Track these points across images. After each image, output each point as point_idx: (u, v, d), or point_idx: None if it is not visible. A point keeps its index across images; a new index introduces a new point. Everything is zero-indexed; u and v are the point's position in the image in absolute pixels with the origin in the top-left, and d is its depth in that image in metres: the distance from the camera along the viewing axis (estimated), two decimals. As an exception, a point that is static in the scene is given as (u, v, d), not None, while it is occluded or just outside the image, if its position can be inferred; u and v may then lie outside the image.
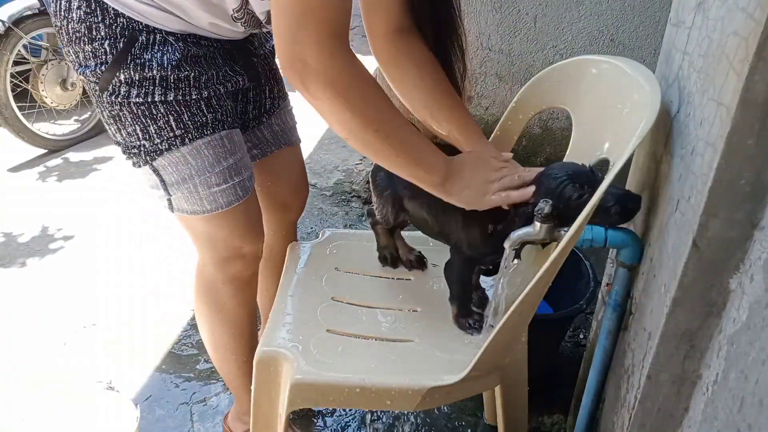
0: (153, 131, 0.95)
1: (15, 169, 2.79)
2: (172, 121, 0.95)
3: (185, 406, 1.49)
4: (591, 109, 1.01)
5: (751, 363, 0.60)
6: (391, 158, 0.86)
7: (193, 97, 0.95)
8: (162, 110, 0.94)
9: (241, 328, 1.20)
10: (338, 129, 0.83)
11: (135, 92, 0.92)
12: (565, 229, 0.87)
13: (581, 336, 1.70)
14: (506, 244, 0.89)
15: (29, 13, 2.63)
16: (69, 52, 0.94)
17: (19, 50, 2.69)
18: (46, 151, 2.93)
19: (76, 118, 3.20)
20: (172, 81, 0.93)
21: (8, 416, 1.30)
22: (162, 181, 1.01)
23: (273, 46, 1.13)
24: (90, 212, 2.41)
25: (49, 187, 2.64)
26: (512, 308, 0.81)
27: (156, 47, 0.92)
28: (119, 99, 0.92)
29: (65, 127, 3.07)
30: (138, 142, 0.96)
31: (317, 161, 2.78)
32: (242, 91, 1.12)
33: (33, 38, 2.72)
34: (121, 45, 0.90)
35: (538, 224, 0.85)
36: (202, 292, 1.18)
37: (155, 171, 0.99)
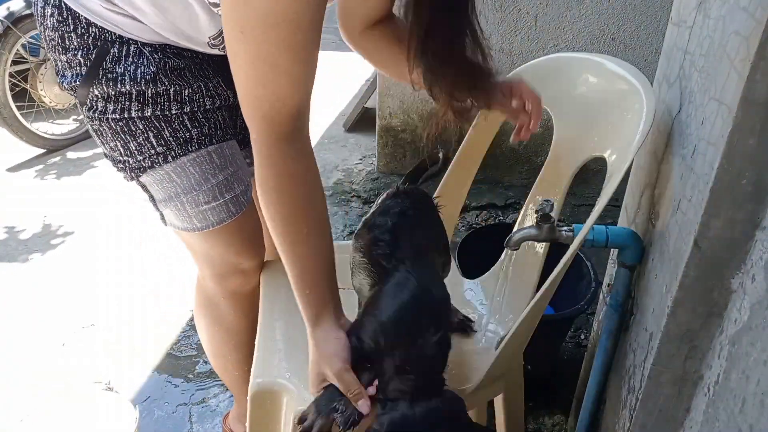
0: (134, 148, 0.90)
1: (14, 168, 2.79)
2: (152, 137, 0.89)
3: (184, 407, 1.49)
4: (573, 108, 1.00)
5: (752, 363, 0.59)
6: (286, 263, 0.82)
7: (174, 111, 0.90)
8: (141, 126, 0.89)
9: (242, 339, 1.17)
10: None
11: (111, 108, 0.87)
12: (566, 228, 0.87)
13: (582, 336, 1.70)
14: (506, 245, 0.89)
15: (28, 12, 2.63)
16: (50, 58, 0.91)
17: (17, 49, 2.68)
18: (45, 150, 2.92)
19: (74, 117, 3.20)
20: (149, 96, 0.87)
21: (8, 416, 1.29)
22: (151, 196, 0.97)
23: None
24: (89, 212, 2.40)
25: (48, 187, 2.64)
26: (522, 316, 0.80)
27: (129, 59, 0.86)
28: (97, 114, 0.88)
29: (64, 127, 3.07)
30: (121, 158, 0.92)
31: (317, 160, 2.78)
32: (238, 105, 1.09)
33: (31, 37, 2.72)
34: (93, 57, 0.85)
35: (537, 224, 0.84)
36: (202, 305, 1.16)
37: (143, 187, 0.96)
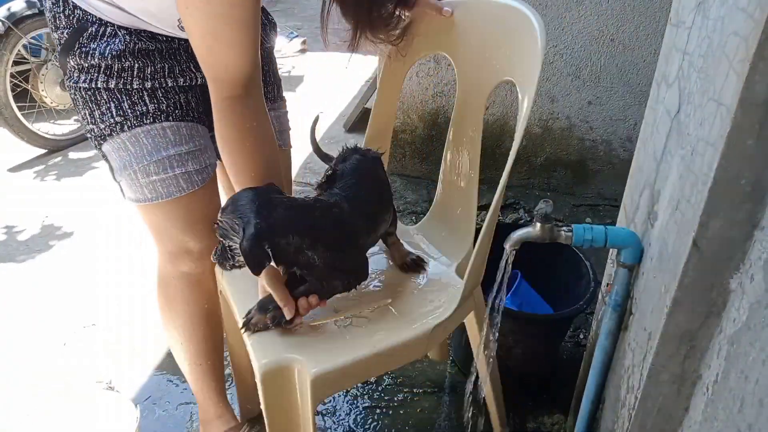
0: (97, 116, 1.00)
1: (15, 168, 2.79)
2: (113, 107, 0.99)
3: (185, 406, 1.49)
4: (468, 45, 1.15)
5: (751, 363, 0.60)
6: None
7: (135, 86, 0.99)
8: (105, 96, 0.99)
9: (192, 327, 1.20)
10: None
11: (83, 78, 0.98)
12: (565, 228, 0.87)
13: (581, 336, 1.70)
14: (506, 245, 0.89)
15: (29, 13, 2.63)
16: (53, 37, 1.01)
17: (18, 50, 2.68)
18: (46, 150, 2.93)
19: (75, 117, 3.19)
20: (115, 70, 0.97)
21: (8, 416, 1.30)
22: (110, 167, 1.05)
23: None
24: (90, 212, 2.41)
25: (49, 187, 2.64)
26: (482, 234, 0.99)
27: (104, 39, 0.96)
28: (71, 83, 0.99)
29: (65, 127, 3.07)
30: (89, 125, 1.02)
31: (316, 160, 2.77)
32: None
33: (33, 38, 2.72)
34: (73, 32, 0.96)
35: (538, 224, 0.85)
36: (158, 284, 1.20)
37: (104, 156, 1.05)
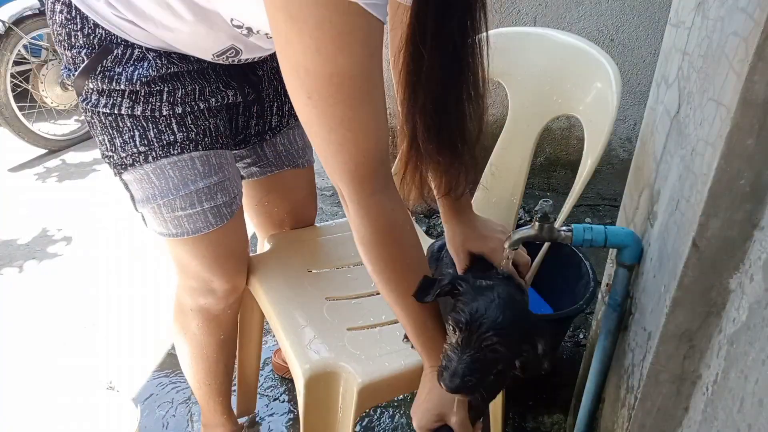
0: (118, 144, 0.90)
1: (15, 169, 2.80)
2: (137, 136, 0.89)
3: (185, 406, 1.49)
4: (526, 77, 1.11)
5: (750, 363, 0.60)
6: (394, 310, 0.82)
7: (164, 113, 0.89)
8: (128, 124, 0.89)
9: (206, 354, 1.16)
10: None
11: (103, 102, 0.88)
12: (565, 228, 0.87)
13: (581, 336, 1.70)
14: (506, 244, 0.89)
15: (29, 13, 2.63)
16: (57, 51, 0.93)
17: (19, 50, 2.69)
18: (46, 151, 2.93)
19: (76, 118, 3.20)
20: (142, 95, 0.88)
21: (9, 416, 1.30)
22: (131, 196, 0.97)
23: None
24: (90, 212, 2.41)
25: (50, 188, 2.64)
26: None
27: (131, 62, 0.86)
28: (90, 106, 0.89)
29: (65, 127, 3.08)
30: (107, 152, 0.93)
31: (317, 161, 2.78)
32: (242, 105, 1.06)
33: (33, 38, 2.73)
34: (95, 54, 0.86)
35: (537, 224, 0.85)
36: (175, 310, 1.16)
37: (124, 185, 0.96)
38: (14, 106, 2.68)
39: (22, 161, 2.85)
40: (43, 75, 2.84)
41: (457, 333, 0.72)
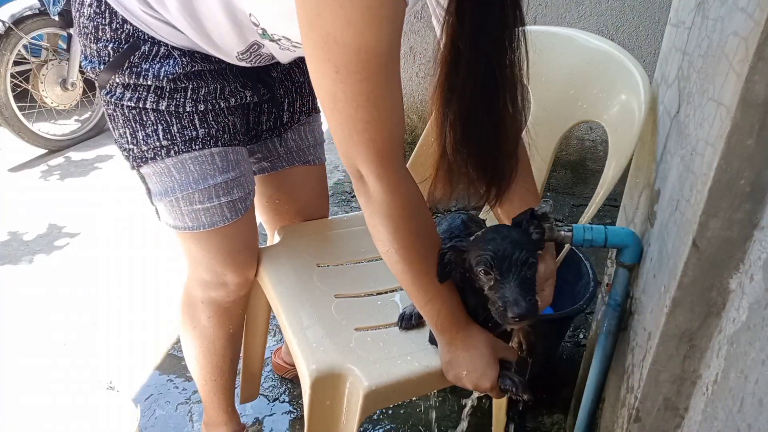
0: (141, 137, 0.92)
1: (15, 169, 2.80)
2: (160, 130, 0.92)
3: (185, 406, 1.49)
4: (549, 79, 1.07)
5: (750, 363, 0.60)
6: (410, 291, 0.83)
7: (187, 109, 0.92)
8: (152, 118, 0.91)
9: (214, 347, 1.17)
10: (377, 245, 0.81)
11: (128, 95, 0.90)
12: (565, 228, 0.87)
13: (581, 336, 1.70)
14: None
15: (29, 13, 2.63)
16: (79, 41, 0.93)
17: (19, 50, 2.69)
18: (47, 151, 2.93)
19: (76, 118, 3.20)
20: (167, 90, 0.90)
21: (9, 416, 1.30)
22: (148, 189, 0.98)
23: (296, 59, 1.05)
24: (91, 212, 2.41)
25: (50, 188, 2.64)
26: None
27: (157, 59, 0.89)
28: (114, 99, 0.91)
29: (65, 127, 3.08)
30: (128, 145, 0.94)
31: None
32: (254, 103, 1.08)
33: (33, 38, 2.73)
34: (123, 49, 0.88)
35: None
36: (183, 303, 1.16)
37: (141, 178, 0.97)
38: (14, 106, 2.68)
39: (22, 161, 2.85)
40: (43, 75, 2.84)
41: (492, 273, 0.76)
